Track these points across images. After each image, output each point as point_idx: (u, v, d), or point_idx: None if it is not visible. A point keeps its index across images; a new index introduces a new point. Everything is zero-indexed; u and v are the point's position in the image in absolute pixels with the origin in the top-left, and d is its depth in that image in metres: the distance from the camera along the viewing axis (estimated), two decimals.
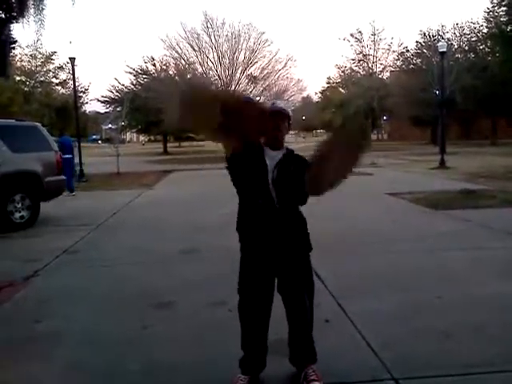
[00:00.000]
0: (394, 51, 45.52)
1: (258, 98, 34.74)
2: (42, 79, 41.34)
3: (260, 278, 2.82)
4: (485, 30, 38.34)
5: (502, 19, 35.88)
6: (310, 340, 2.95)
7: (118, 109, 35.55)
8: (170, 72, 38.62)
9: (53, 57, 41.28)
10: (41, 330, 3.88)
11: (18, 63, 37.57)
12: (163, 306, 4.33)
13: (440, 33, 39.88)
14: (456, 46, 38.89)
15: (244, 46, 34.61)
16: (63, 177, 9.46)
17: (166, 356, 3.33)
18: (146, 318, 4.04)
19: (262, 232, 2.78)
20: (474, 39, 39.68)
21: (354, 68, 47.89)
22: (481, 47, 39.69)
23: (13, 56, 25.64)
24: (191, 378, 3.03)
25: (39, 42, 35.27)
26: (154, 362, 3.25)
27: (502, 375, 2.94)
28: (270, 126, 2.78)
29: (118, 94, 40.76)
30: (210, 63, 35.15)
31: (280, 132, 2.83)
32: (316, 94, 66.29)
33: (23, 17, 12.20)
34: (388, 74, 48.65)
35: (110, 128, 35.31)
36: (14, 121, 9.38)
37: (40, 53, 40.21)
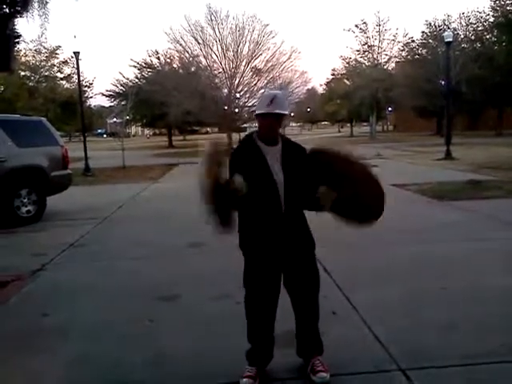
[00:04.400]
0: (399, 42, 45.10)
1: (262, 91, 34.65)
2: (46, 74, 41.32)
3: (266, 272, 2.82)
4: (491, 20, 37.90)
5: (508, 8, 35.49)
6: (317, 332, 2.95)
7: (123, 103, 35.54)
8: (174, 65, 38.53)
9: (57, 51, 41.25)
10: (48, 324, 3.92)
11: (23, 58, 37.54)
12: (169, 299, 4.35)
13: (446, 22, 39.47)
14: (462, 36, 38.47)
15: (248, 39, 34.33)
16: (69, 171, 9.50)
17: (171, 349, 3.34)
18: (153, 311, 4.06)
19: (267, 236, 2.76)
20: (480, 29, 39.22)
21: (359, 59, 47.47)
22: (487, 37, 39.23)
23: (17, 51, 25.65)
24: (198, 370, 3.05)
25: (43, 36, 35.22)
26: (160, 355, 3.26)
27: (506, 365, 2.94)
28: (263, 125, 2.77)
29: (122, 87, 40.74)
30: (214, 56, 34.97)
31: (274, 131, 2.80)
32: (321, 85, 65.96)
33: (27, 11, 12.14)
34: (393, 64, 48.30)
35: (115, 122, 35.30)
36: (19, 116, 9.41)
37: (44, 47, 40.18)
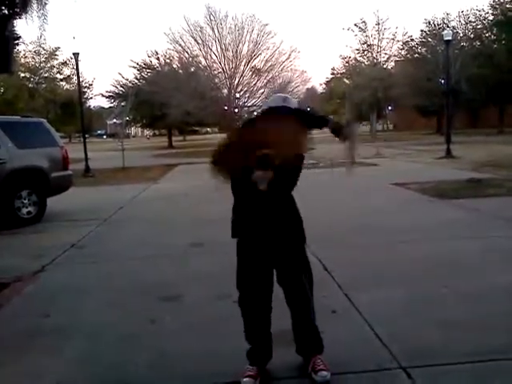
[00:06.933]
0: (398, 40, 45.13)
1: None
2: (46, 75, 41.47)
3: (257, 271, 2.84)
4: (490, 18, 37.94)
5: (507, 6, 35.51)
6: (315, 330, 2.95)
7: (123, 103, 35.58)
8: (174, 66, 38.55)
9: (56, 52, 41.45)
10: (49, 325, 3.91)
11: (22, 60, 37.66)
12: (170, 299, 4.35)
13: (445, 21, 39.49)
14: (461, 34, 38.46)
15: (247, 38, 34.40)
16: (70, 172, 9.50)
17: (173, 349, 3.34)
18: (154, 311, 4.06)
19: (256, 223, 2.78)
20: (479, 27, 39.20)
21: (359, 58, 47.50)
22: (486, 35, 39.22)
23: (17, 52, 25.67)
24: (199, 369, 3.04)
25: (43, 37, 35.40)
26: (162, 355, 3.26)
27: (508, 363, 2.94)
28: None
29: (122, 88, 40.81)
30: (213, 56, 35.00)
31: None
32: (320, 84, 66.00)
33: (26, 12, 12.13)
34: (393, 63, 48.30)
35: (115, 123, 35.40)
36: (19, 117, 9.42)
37: (44, 49, 40.37)
